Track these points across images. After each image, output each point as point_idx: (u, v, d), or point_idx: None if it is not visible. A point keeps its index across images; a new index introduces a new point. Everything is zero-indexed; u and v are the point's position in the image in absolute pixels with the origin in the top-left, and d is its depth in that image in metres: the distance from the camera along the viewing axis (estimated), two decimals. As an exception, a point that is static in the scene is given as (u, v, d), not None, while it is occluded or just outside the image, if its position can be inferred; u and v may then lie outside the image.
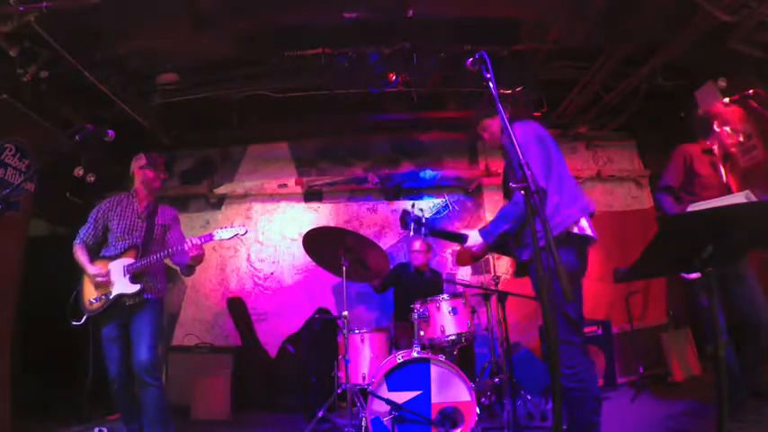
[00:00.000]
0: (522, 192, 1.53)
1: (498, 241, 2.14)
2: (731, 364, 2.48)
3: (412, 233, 2.24)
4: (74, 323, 2.59)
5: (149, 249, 2.70)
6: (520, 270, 2.27)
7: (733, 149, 2.79)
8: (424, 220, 2.25)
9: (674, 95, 4.34)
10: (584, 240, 2.06)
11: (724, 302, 2.46)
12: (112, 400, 2.68)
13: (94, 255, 2.72)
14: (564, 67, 4.05)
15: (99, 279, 2.58)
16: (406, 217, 2.27)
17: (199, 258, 2.67)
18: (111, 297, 2.57)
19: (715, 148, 2.80)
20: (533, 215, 1.52)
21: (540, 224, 1.47)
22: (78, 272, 2.69)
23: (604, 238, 4.99)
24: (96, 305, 2.59)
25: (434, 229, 2.27)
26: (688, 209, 2.54)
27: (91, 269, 2.61)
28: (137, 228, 2.75)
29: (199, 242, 2.59)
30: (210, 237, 2.62)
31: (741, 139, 2.79)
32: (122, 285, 2.59)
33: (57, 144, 3.74)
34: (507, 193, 2.31)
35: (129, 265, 2.61)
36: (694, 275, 2.41)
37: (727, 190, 2.71)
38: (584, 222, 2.06)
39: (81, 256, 2.68)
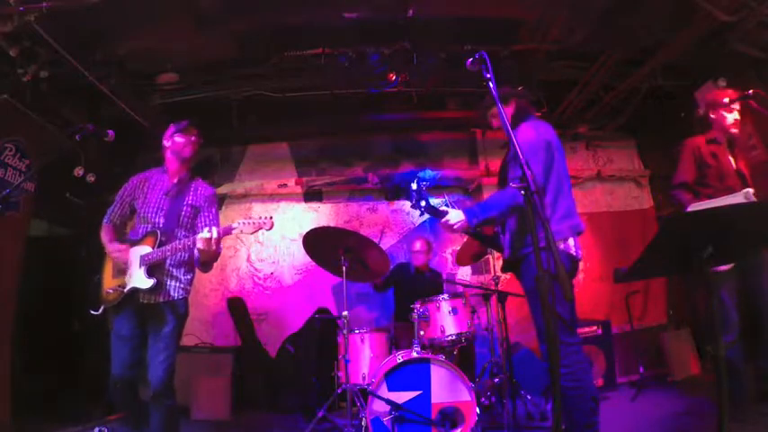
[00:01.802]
0: (522, 192, 1.53)
1: (482, 225, 2.12)
2: (734, 363, 2.46)
3: (413, 202, 2.19)
4: (92, 312, 2.36)
5: (172, 236, 2.35)
6: (507, 266, 2.28)
7: (734, 130, 2.72)
8: (423, 195, 2.20)
9: (674, 95, 4.34)
10: (568, 258, 2.05)
11: (740, 296, 2.44)
12: (113, 399, 2.49)
13: (121, 237, 2.48)
14: (564, 67, 4.05)
15: (118, 260, 2.34)
16: (408, 188, 2.24)
17: (210, 254, 2.23)
18: (126, 290, 2.28)
19: (719, 136, 2.75)
20: (534, 216, 1.51)
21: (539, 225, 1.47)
22: (100, 259, 2.47)
23: (604, 238, 5.01)
24: (112, 296, 2.33)
25: (430, 208, 2.20)
26: (689, 208, 2.53)
27: (111, 246, 2.37)
28: (161, 208, 2.42)
29: (215, 236, 2.13)
30: (229, 229, 2.18)
31: (737, 117, 2.74)
32: (138, 278, 2.27)
33: (57, 144, 3.73)
34: (503, 184, 2.29)
35: (144, 256, 2.29)
36: (723, 268, 2.34)
37: (739, 176, 2.66)
38: (571, 241, 2.06)
39: (105, 235, 2.44)
